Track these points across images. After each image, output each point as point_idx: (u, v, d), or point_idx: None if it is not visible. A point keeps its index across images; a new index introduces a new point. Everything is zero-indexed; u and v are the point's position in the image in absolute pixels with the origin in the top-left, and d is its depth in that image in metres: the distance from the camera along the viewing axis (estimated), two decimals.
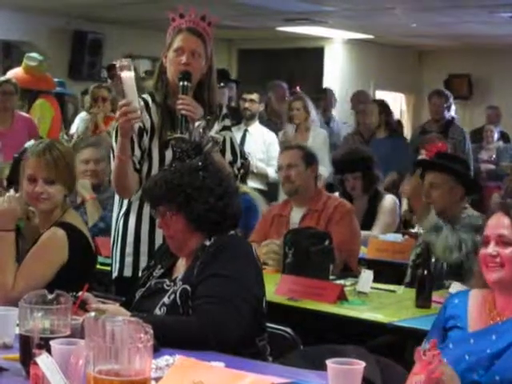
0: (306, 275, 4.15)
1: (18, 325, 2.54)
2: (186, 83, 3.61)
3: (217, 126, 3.76)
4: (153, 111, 3.71)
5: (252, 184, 6.86)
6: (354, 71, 13.21)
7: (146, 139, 3.68)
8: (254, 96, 7.64)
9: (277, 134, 7.67)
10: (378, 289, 4.27)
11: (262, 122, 7.80)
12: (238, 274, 2.91)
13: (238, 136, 6.56)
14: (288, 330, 3.15)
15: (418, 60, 14.30)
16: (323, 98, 9.82)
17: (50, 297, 2.45)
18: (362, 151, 6.05)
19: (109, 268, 3.93)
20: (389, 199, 5.86)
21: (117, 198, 3.82)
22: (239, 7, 9.92)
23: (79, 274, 3.27)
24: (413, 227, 6.15)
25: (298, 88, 9.64)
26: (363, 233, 5.31)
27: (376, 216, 5.79)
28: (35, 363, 2.12)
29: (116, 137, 3.58)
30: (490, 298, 2.72)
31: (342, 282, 4.31)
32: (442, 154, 4.89)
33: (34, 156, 3.36)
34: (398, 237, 5.64)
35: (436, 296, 3.91)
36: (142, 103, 3.65)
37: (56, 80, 8.17)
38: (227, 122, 3.85)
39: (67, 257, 3.30)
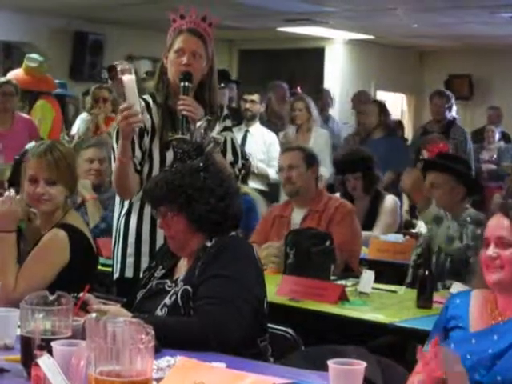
0: (307, 276, 4.16)
1: (19, 326, 2.55)
2: (186, 84, 3.61)
3: (218, 127, 3.75)
4: (154, 112, 3.71)
5: (253, 185, 6.87)
6: (354, 72, 13.19)
7: (146, 140, 3.68)
8: (255, 97, 7.63)
9: (277, 135, 7.66)
10: (379, 289, 4.27)
11: (262, 123, 7.80)
12: (238, 274, 2.91)
13: (238, 137, 6.55)
14: (289, 330, 3.15)
15: (419, 60, 14.28)
16: (320, 98, 9.82)
17: (51, 298, 2.45)
18: (362, 151, 6.06)
19: (110, 269, 3.92)
20: (390, 200, 5.86)
21: (118, 198, 3.82)
22: (240, 8, 9.91)
23: (80, 275, 3.27)
24: (414, 227, 6.15)
25: (298, 88, 9.63)
26: (364, 233, 5.31)
27: (377, 216, 5.79)
28: (36, 364, 2.12)
29: (117, 138, 3.58)
30: (492, 298, 2.72)
31: (343, 282, 4.31)
32: (443, 155, 4.91)
33: (35, 157, 3.36)
34: (399, 237, 5.64)
35: (437, 296, 3.91)
36: (143, 104, 3.65)
37: (57, 81, 8.18)
38: (228, 123, 3.84)
39: (68, 258, 3.30)
